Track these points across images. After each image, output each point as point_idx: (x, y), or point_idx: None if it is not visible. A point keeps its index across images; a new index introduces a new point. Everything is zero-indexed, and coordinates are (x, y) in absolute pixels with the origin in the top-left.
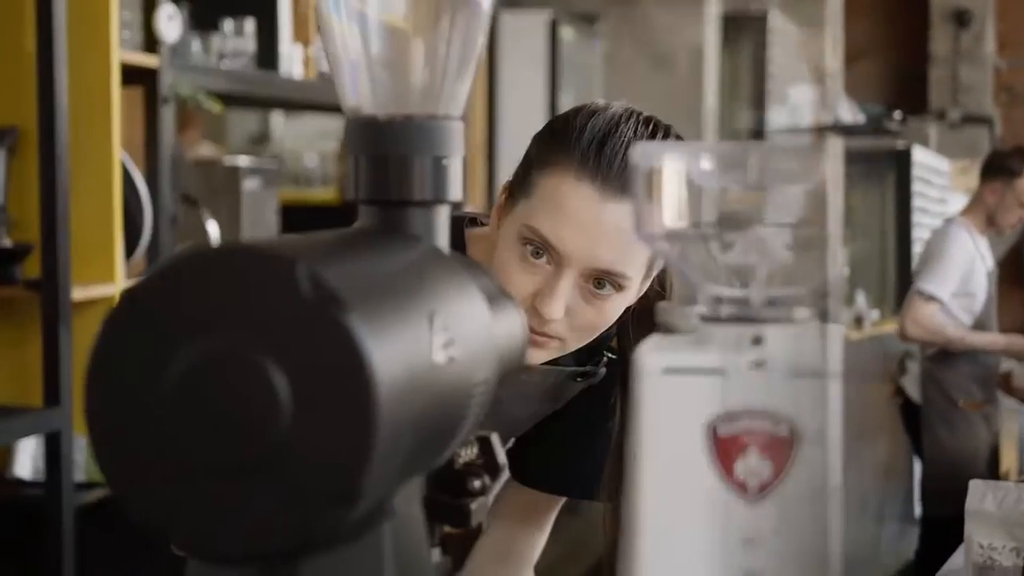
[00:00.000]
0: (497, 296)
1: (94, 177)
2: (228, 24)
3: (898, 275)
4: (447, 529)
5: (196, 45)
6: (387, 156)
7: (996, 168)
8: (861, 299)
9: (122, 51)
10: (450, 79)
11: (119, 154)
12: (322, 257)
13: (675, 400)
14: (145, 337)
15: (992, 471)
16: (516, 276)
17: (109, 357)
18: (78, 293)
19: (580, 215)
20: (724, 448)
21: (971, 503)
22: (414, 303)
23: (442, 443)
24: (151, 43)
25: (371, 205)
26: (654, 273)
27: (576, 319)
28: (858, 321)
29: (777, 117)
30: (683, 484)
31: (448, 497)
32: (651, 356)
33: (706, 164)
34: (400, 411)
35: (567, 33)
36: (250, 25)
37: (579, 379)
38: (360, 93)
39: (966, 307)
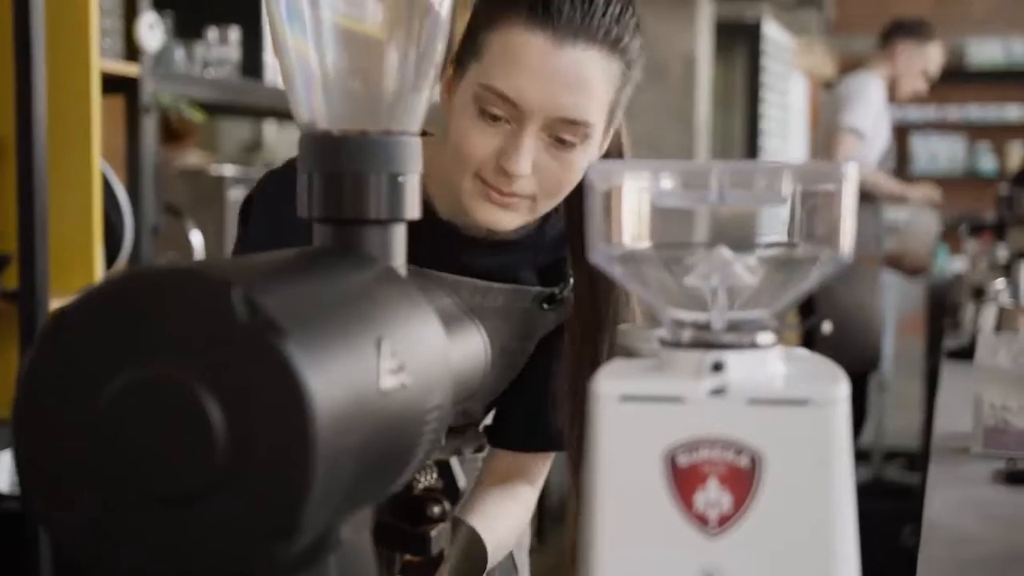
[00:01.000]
0: (456, 316)
1: (74, 187)
2: (212, 32)
3: (747, 151)
4: (407, 557)
5: (180, 53)
6: (342, 173)
7: (908, 31)
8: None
9: (103, 60)
10: (407, 93)
11: (99, 164)
12: (261, 281)
13: (633, 428)
14: (76, 360)
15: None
16: (476, 139)
17: (39, 379)
18: (57, 304)
19: (535, 64)
20: (683, 479)
21: (981, 358)
22: (361, 327)
23: (392, 472)
24: (133, 52)
25: (325, 223)
26: (615, 124)
27: (544, 175)
28: None
29: None
30: (641, 516)
31: (407, 524)
32: (608, 382)
33: (666, 184)
34: (342, 441)
35: None
36: (235, 33)
37: (545, 305)
38: (314, 108)
39: (874, 149)
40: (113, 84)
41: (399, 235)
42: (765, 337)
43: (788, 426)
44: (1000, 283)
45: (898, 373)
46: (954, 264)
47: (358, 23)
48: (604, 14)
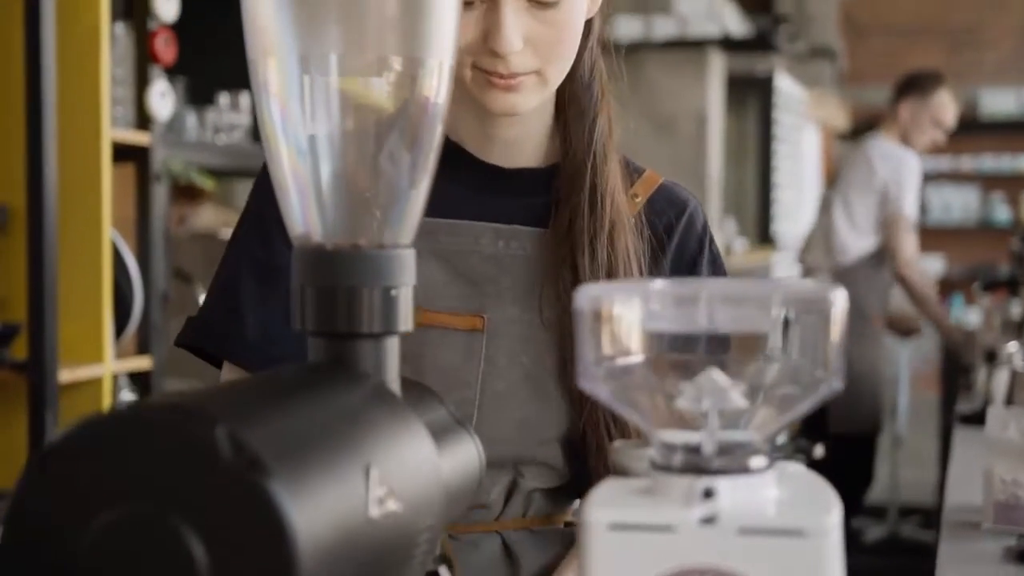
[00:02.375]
0: (448, 427)
1: (84, 256)
2: (224, 98)
3: (759, 204)
4: None
5: (191, 119)
6: (335, 287)
7: (911, 86)
8: (730, 226)
9: (114, 129)
10: (400, 205)
11: (109, 233)
12: (246, 413)
13: (623, 557)
14: (59, 500)
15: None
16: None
17: (24, 519)
18: (66, 375)
19: None
20: None
21: (991, 431)
22: (349, 456)
23: None
24: (144, 120)
25: (319, 337)
26: None
27: (539, 44)
28: (727, 250)
29: (664, 26)
30: None
31: None
32: (598, 510)
33: (655, 305)
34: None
35: None
36: (245, 99)
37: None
38: (308, 221)
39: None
40: (124, 152)
41: (392, 348)
42: (757, 461)
43: (780, 556)
44: (1013, 346)
45: (913, 428)
46: (969, 316)
47: (353, 133)
48: None
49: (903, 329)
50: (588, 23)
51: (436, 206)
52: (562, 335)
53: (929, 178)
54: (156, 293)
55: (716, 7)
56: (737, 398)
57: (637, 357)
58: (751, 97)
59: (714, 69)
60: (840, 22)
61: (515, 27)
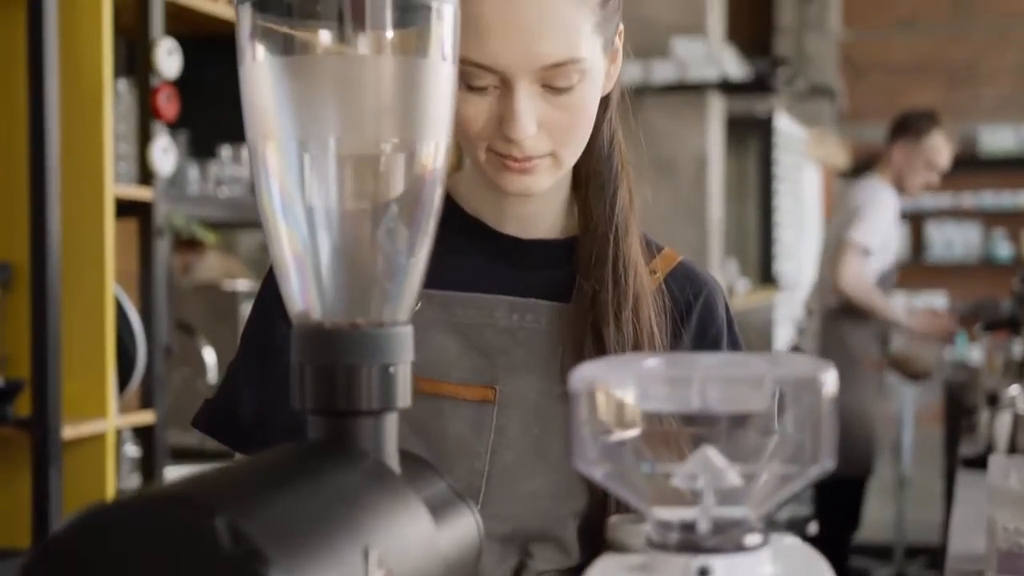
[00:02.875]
0: (448, 501)
1: (87, 312)
2: (225, 151)
3: (761, 243)
4: None
5: (194, 173)
6: (334, 365)
7: (903, 128)
8: (732, 267)
9: (117, 185)
10: (398, 282)
11: (112, 289)
12: (245, 501)
13: None
14: None
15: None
16: (471, 114)
17: None
18: (69, 431)
19: (496, 22)
20: None
21: (993, 480)
22: (347, 539)
23: None
24: (147, 175)
25: (318, 415)
26: (616, 37)
27: (553, 127)
28: (729, 291)
29: (663, 70)
30: None
31: None
32: None
33: (649, 385)
34: None
35: None
36: (247, 152)
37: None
38: (307, 299)
39: (879, 265)
40: (127, 208)
41: (391, 424)
42: (752, 539)
43: None
44: (1015, 389)
45: (919, 466)
46: (972, 353)
47: (350, 214)
48: None
49: (910, 373)
50: (605, 97)
51: (453, 279)
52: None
53: (930, 215)
54: (159, 347)
55: (714, 51)
56: (732, 476)
57: (632, 436)
58: (751, 137)
59: (713, 112)
60: (839, 61)
61: (529, 113)
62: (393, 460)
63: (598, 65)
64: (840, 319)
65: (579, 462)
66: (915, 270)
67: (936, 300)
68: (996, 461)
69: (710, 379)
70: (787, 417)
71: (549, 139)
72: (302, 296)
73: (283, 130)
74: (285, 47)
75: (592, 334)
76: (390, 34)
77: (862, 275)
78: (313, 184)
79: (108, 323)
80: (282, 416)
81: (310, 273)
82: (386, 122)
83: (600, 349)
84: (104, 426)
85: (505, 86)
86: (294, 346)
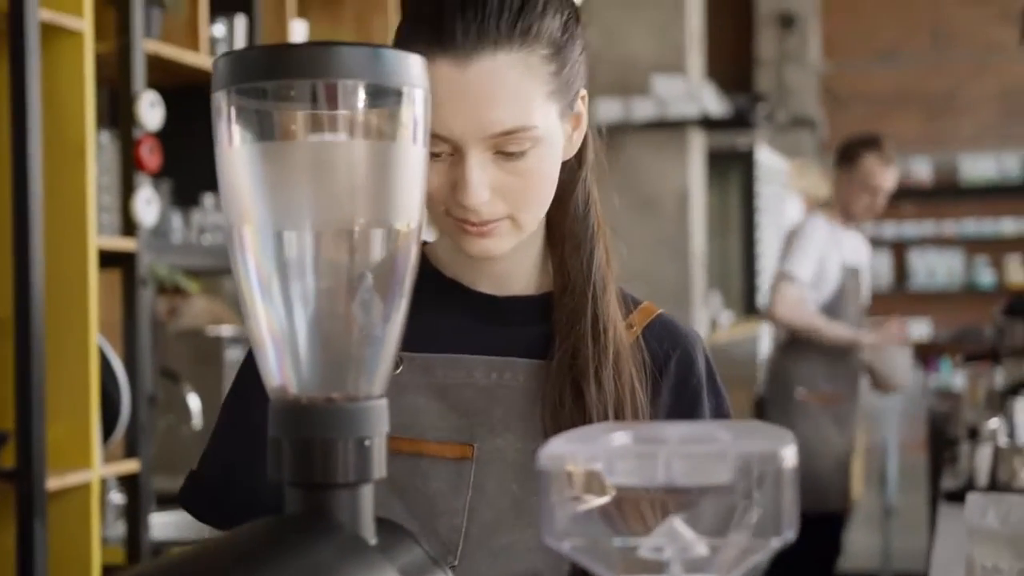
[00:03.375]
0: (424, 568)
1: (71, 363)
2: (208, 199)
3: (744, 275)
4: None
5: (177, 221)
6: (311, 440)
7: (841, 157)
8: (716, 300)
9: (100, 236)
10: (373, 358)
11: (96, 340)
12: None
13: None
14: None
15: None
16: (427, 181)
17: None
18: (54, 482)
19: (445, 92)
20: None
21: (971, 518)
22: None
23: None
24: (130, 226)
25: (295, 488)
26: (573, 104)
27: (507, 192)
28: (713, 324)
29: (644, 107)
30: None
31: None
32: None
33: (616, 461)
34: None
35: None
36: None
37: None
38: (284, 375)
39: (814, 297)
40: (110, 258)
41: (367, 496)
42: None
43: None
44: (994, 423)
45: (905, 494)
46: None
47: (326, 293)
48: (501, 15)
49: (879, 386)
50: (581, 155)
51: (433, 340)
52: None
53: (913, 243)
54: (143, 396)
55: (694, 88)
56: (699, 546)
57: (600, 509)
58: (732, 170)
59: (694, 147)
60: (820, 92)
61: (481, 180)
62: (369, 531)
63: (554, 131)
64: (785, 353)
65: (547, 536)
66: (898, 298)
67: (920, 327)
68: (973, 500)
69: (675, 454)
70: (750, 490)
71: (504, 203)
72: (279, 371)
73: (260, 213)
74: (261, 133)
75: (572, 392)
76: (362, 118)
77: (796, 302)
78: (289, 264)
79: (92, 373)
80: (263, 495)
81: (286, 349)
82: (360, 204)
83: (580, 406)
84: (89, 476)
85: (458, 153)
86: (272, 420)
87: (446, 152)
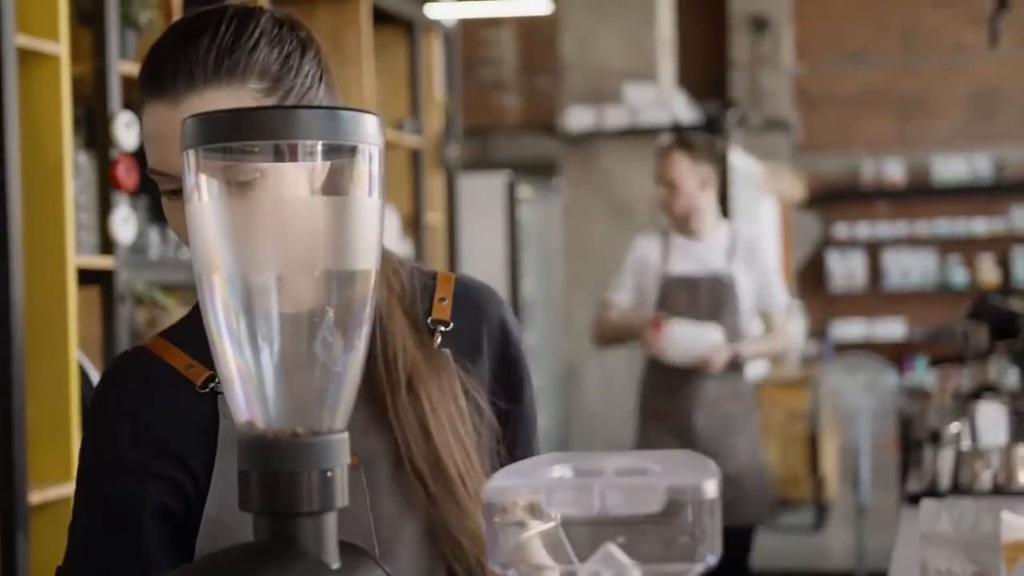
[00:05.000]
0: None
1: (51, 379)
2: None
3: None
4: None
5: (154, 236)
6: (277, 472)
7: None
8: None
9: (79, 255)
10: (332, 395)
11: (76, 357)
12: None
13: None
14: None
15: None
16: (173, 219)
17: None
18: (36, 496)
19: (163, 131)
20: None
21: (924, 524)
22: None
23: None
24: (107, 244)
25: (263, 516)
26: None
27: None
28: None
29: (616, 115)
30: None
31: None
32: None
33: (556, 494)
34: None
35: (525, 191)
36: None
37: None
38: (251, 411)
39: (642, 312)
40: (89, 276)
41: (330, 523)
42: None
43: None
44: (955, 427)
45: (878, 493)
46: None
47: (289, 335)
48: (210, 52)
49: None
50: None
51: None
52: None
53: (887, 243)
54: None
55: (665, 96)
56: (633, 571)
57: (540, 537)
58: None
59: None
60: (793, 94)
61: None
62: (333, 556)
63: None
64: (641, 378)
65: (492, 562)
66: (872, 298)
67: (894, 327)
68: (928, 505)
69: (610, 486)
70: (679, 518)
71: None
72: (247, 407)
73: (226, 261)
74: (227, 189)
75: (380, 414)
76: (321, 174)
77: (597, 321)
78: (255, 308)
79: (72, 389)
80: (138, 568)
81: (253, 387)
82: (320, 252)
83: (388, 428)
84: (70, 490)
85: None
86: (240, 453)
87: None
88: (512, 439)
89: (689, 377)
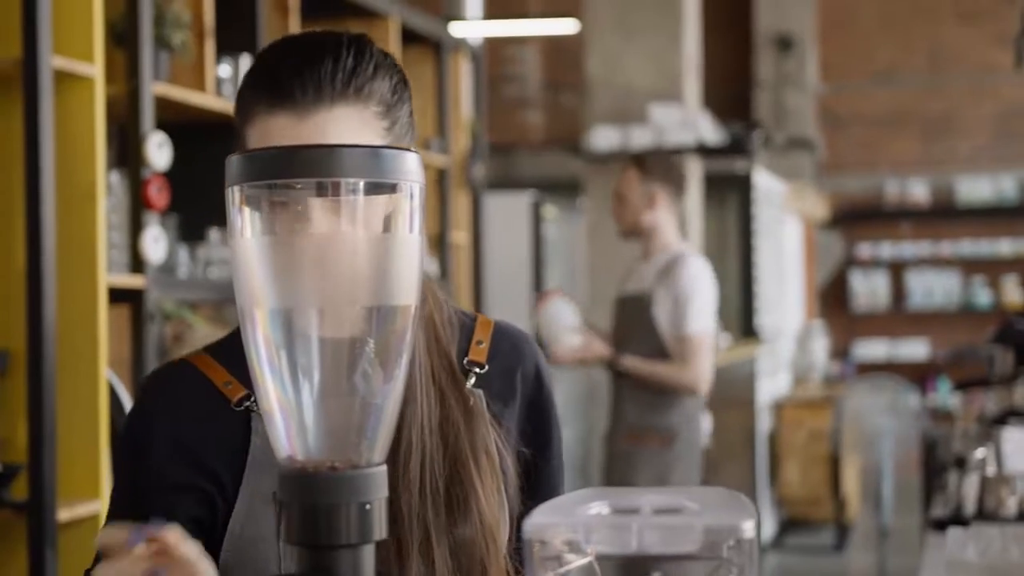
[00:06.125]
0: None
1: (81, 397)
2: (214, 234)
3: (742, 298)
4: None
5: (183, 255)
6: (316, 505)
7: None
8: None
9: (110, 274)
10: (372, 428)
11: (106, 375)
12: None
13: None
14: None
15: None
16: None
17: None
18: (64, 513)
19: (285, 142)
20: None
21: (952, 552)
22: None
23: None
24: (138, 263)
25: (302, 548)
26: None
27: None
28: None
29: (642, 136)
30: None
31: None
32: None
33: (594, 532)
34: None
35: (550, 212)
36: None
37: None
38: (292, 445)
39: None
40: (119, 295)
41: (368, 555)
42: None
43: None
44: (981, 452)
45: (900, 514)
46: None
47: (331, 370)
48: (336, 73)
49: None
50: None
51: None
52: None
53: (910, 263)
54: None
55: (690, 117)
56: None
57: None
58: (730, 194)
59: (691, 174)
60: (817, 114)
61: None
62: None
63: None
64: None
65: None
66: (895, 318)
67: (917, 347)
68: (955, 533)
69: (647, 525)
70: (716, 557)
71: None
72: (287, 442)
73: (269, 296)
74: (270, 225)
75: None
76: (363, 211)
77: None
78: (296, 343)
79: (102, 407)
80: None
81: (294, 422)
82: (361, 288)
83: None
84: (98, 507)
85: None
86: (280, 486)
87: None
88: (537, 484)
89: (615, 392)
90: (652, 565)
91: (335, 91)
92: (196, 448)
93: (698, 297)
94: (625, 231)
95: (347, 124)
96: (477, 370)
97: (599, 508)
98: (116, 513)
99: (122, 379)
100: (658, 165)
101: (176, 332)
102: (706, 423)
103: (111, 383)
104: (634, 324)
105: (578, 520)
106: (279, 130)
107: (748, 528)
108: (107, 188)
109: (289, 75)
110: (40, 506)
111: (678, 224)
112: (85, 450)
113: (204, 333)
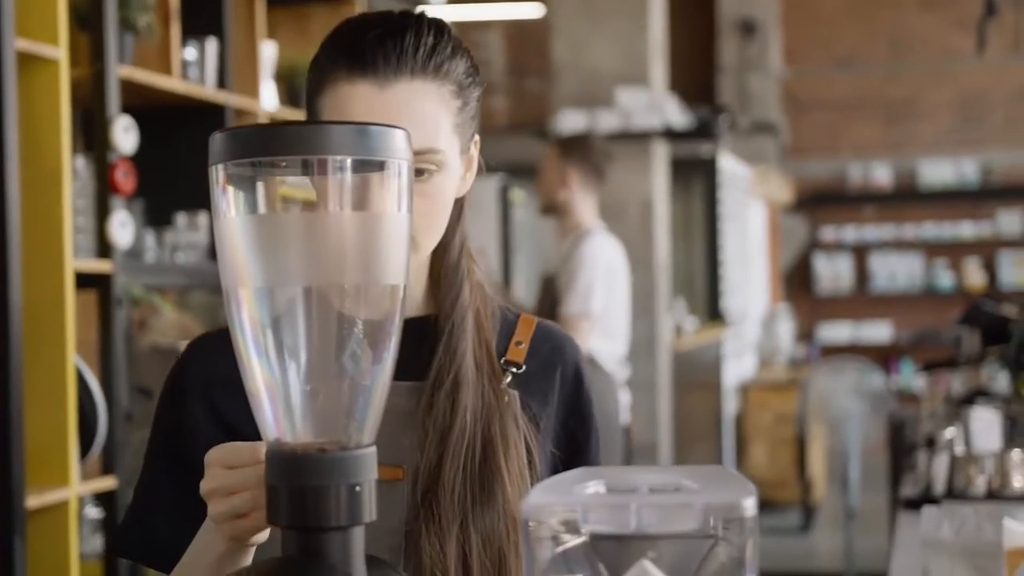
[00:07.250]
0: None
1: (49, 383)
2: (181, 218)
3: (708, 282)
4: None
5: (150, 241)
6: (305, 487)
7: None
8: (680, 306)
9: (77, 259)
10: (360, 409)
11: (74, 361)
12: None
13: None
14: None
15: None
16: None
17: None
18: (33, 500)
19: (364, 110)
20: None
21: (926, 531)
22: None
23: None
24: (105, 248)
25: (291, 530)
26: (472, 143)
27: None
28: (678, 330)
29: (608, 119)
30: None
31: None
32: None
33: (592, 512)
34: None
35: (518, 196)
36: (203, 218)
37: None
38: (280, 428)
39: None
40: (86, 280)
41: (358, 537)
42: None
43: None
44: (950, 432)
45: (867, 495)
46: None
47: (318, 351)
48: (418, 48)
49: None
50: (459, 203)
51: None
52: (415, 487)
53: (873, 246)
54: (119, 413)
55: (657, 100)
56: None
57: (575, 552)
58: (696, 178)
59: (658, 157)
60: (781, 98)
61: None
62: (360, 570)
63: (455, 163)
64: None
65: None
66: (859, 301)
67: (880, 330)
68: (929, 512)
69: (645, 504)
70: (715, 536)
71: None
72: (275, 424)
73: (254, 276)
74: (255, 204)
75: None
76: (350, 189)
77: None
78: (282, 322)
79: (70, 393)
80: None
81: (281, 403)
82: (348, 267)
83: (423, 430)
84: (67, 494)
85: None
86: (268, 469)
87: None
88: None
89: None
90: (650, 544)
91: (416, 64)
92: (228, 415)
93: (582, 277)
94: (542, 207)
95: (427, 97)
96: (514, 370)
97: (596, 487)
98: (157, 455)
99: (90, 364)
100: (576, 146)
101: (141, 317)
102: (624, 398)
103: (79, 368)
104: (545, 303)
105: (575, 499)
106: (358, 98)
107: (748, 506)
108: (73, 172)
109: (372, 45)
110: (8, 493)
111: (595, 205)
112: (54, 436)
113: (171, 318)
